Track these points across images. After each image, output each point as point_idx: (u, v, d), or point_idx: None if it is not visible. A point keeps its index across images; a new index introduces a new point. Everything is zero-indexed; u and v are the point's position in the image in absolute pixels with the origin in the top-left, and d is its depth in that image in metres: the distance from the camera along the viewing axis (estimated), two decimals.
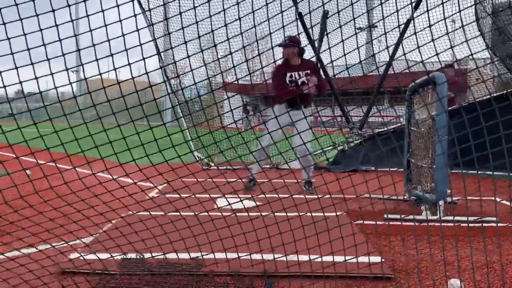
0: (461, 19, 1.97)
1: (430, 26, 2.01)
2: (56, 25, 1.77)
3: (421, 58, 2.01)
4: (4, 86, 1.73)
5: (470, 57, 2.37)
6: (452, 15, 2.10)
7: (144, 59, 2.02)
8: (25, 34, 1.76)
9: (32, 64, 1.81)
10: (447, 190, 3.83)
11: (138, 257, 2.54)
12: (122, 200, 2.15)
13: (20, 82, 1.81)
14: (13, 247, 2.30)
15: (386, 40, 2.10)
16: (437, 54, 2.00)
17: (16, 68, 1.80)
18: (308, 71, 5.38)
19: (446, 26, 2.05)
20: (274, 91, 5.61)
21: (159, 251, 2.37)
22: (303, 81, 5.37)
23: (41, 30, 1.76)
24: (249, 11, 2.09)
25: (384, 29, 2.10)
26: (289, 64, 5.44)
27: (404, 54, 2.18)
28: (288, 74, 5.38)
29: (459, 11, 2.00)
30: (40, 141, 1.92)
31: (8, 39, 1.75)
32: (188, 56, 2.07)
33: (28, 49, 1.80)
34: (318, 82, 5.37)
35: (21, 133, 1.88)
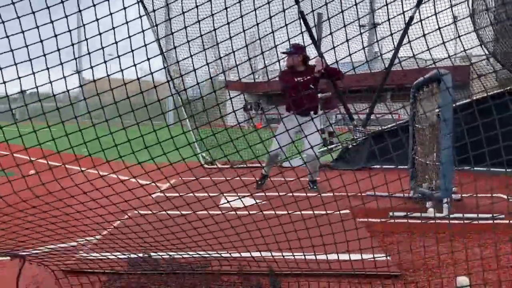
0: (470, 9, 1.95)
1: (435, 14, 1.99)
2: (66, 32, 1.77)
3: (425, 55, 2.00)
4: (18, 87, 1.73)
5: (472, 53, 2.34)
6: (453, 6, 2.09)
7: (148, 59, 2.02)
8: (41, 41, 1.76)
9: (47, 68, 1.81)
10: (452, 188, 3.82)
11: (145, 256, 2.54)
12: (129, 200, 2.15)
13: (29, 77, 1.81)
14: (19, 248, 2.30)
15: (392, 36, 2.08)
16: (443, 43, 1.98)
17: (28, 68, 1.80)
18: (313, 76, 5.36)
19: (454, 21, 2.04)
20: (287, 94, 5.57)
21: (166, 250, 2.36)
22: (310, 88, 5.39)
23: (55, 36, 1.76)
24: (250, 9, 2.09)
25: (389, 22, 2.09)
26: (294, 71, 5.44)
27: (409, 43, 2.16)
28: (294, 80, 5.37)
29: (453, 5, 1.99)
30: (42, 141, 1.92)
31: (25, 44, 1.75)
32: (191, 55, 2.07)
33: (44, 53, 1.79)
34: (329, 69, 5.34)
35: (36, 135, 1.88)
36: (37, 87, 1.90)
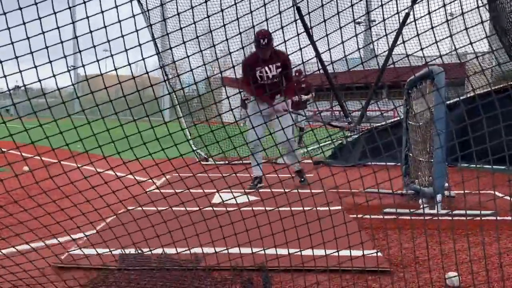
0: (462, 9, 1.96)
1: (430, 12, 2.00)
2: (58, 27, 1.76)
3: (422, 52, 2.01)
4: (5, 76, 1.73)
5: (469, 50, 2.36)
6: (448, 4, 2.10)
7: (143, 59, 2.02)
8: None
9: (35, 67, 1.80)
10: (445, 184, 3.84)
11: (136, 252, 2.54)
12: (120, 195, 2.16)
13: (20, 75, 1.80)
14: (10, 243, 2.30)
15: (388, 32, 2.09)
16: (436, 42, 2.00)
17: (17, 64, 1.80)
18: (279, 64, 5.17)
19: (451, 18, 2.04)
20: (243, 87, 5.39)
21: (157, 246, 2.37)
22: (274, 75, 5.19)
23: (43, 33, 1.75)
24: (247, 5, 2.09)
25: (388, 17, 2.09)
26: (259, 58, 5.18)
27: (403, 42, 2.17)
28: (258, 69, 5.19)
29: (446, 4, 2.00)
30: (38, 137, 1.92)
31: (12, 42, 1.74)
32: (188, 56, 2.07)
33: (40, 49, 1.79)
34: (288, 80, 5.27)
35: (26, 130, 1.88)
36: (24, 85, 1.89)
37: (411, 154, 4.62)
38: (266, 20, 2.03)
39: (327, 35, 2.06)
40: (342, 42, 2.11)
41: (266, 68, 5.20)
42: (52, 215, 2.14)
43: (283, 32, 2.08)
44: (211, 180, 2.14)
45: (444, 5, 2.08)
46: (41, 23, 1.76)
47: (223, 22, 2.01)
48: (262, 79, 5.21)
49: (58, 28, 1.80)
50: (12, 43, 1.77)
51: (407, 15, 7.17)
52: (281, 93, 5.35)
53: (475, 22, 2.04)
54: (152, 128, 2.07)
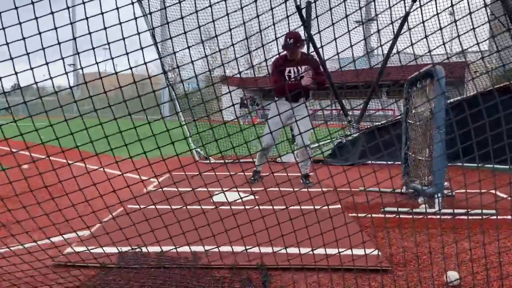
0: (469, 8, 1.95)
1: (438, 15, 2.00)
2: (55, 28, 1.76)
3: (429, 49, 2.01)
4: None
5: (469, 49, 2.35)
6: (449, 7, 2.09)
7: (145, 63, 2.02)
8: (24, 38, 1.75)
9: (31, 67, 1.80)
10: (444, 183, 3.84)
11: (135, 250, 2.54)
12: (120, 194, 2.15)
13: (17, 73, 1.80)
14: (8, 242, 2.30)
15: (392, 29, 2.08)
16: (445, 43, 1.99)
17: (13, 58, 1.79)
18: (308, 66, 5.34)
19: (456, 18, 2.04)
20: (272, 85, 5.60)
21: (157, 244, 2.37)
22: (302, 76, 5.35)
23: (40, 33, 1.75)
24: (249, 2, 2.09)
25: (393, 19, 2.08)
26: (288, 58, 5.38)
27: (412, 45, 2.16)
28: (287, 69, 5.36)
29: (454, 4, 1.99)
30: (37, 135, 1.91)
31: (5, 41, 1.74)
32: (190, 54, 2.07)
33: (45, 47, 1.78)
34: (317, 77, 5.36)
35: (17, 127, 1.87)
36: (19, 86, 1.89)
37: (410, 153, 4.62)
38: (274, 24, 2.02)
39: (335, 39, 2.06)
40: (351, 46, 2.11)
41: (295, 69, 5.36)
42: (51, 214, 2.13)
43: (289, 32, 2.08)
44: (213, 180, 2.14)
45: (452, 5, 2.08)
46: (54, 23, 1.76)
47: (229, 26, 2.01)
48: (289, 79, 5.36)
49: (71, 23, 1.79)
50: (24, 38, 1.77)
51: (407, 14, 7.17)
52: (308, 95, 5.46)
53: (475, 21, 2.03)
54: (153, 134, 2.06)
